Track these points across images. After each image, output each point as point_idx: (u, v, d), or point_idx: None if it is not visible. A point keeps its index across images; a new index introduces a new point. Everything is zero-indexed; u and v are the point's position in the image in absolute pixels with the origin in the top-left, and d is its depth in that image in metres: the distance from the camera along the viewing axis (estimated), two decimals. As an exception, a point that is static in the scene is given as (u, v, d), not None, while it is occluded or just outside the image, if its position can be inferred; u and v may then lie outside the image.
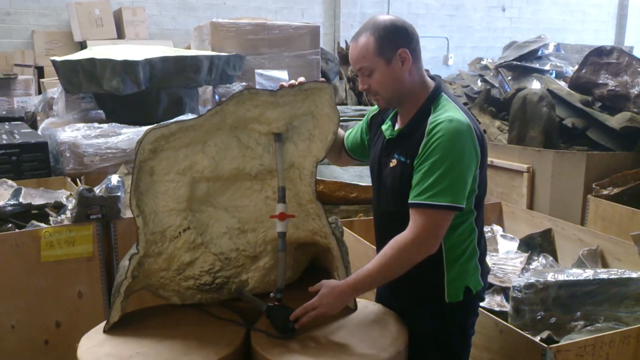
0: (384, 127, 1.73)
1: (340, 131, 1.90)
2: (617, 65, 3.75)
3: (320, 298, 1.58)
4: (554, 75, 5.18)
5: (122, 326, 1.68)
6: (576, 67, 4.21)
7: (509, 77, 5.15)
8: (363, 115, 2.06)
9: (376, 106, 1.86)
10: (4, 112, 5.44)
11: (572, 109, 3.92)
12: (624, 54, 3.78)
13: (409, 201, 1.53)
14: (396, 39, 1.57)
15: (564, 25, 10.92)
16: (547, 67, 5.23)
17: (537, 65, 5.23)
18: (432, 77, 1.68)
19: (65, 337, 2.37)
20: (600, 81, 3.83)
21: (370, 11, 9.19)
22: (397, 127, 1.69)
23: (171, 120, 1.98)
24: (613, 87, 3.72)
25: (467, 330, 1.71)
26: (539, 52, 5.45)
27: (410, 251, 1.52)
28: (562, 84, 4.57)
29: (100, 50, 4.05)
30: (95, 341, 1.62)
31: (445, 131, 1.50)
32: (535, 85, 4.80)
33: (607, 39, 11.17)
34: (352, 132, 1.94)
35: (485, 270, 1.74)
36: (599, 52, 3.88)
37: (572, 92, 4.06)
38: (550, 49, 5.62)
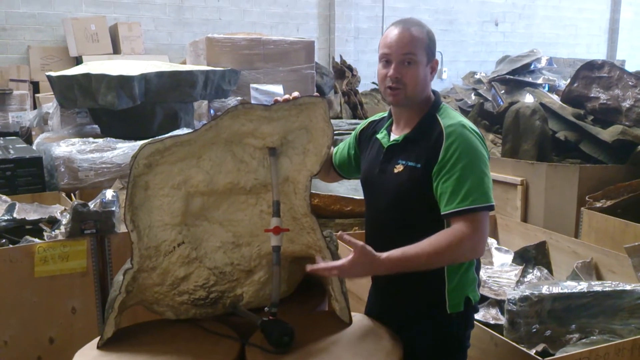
0: (379, 135, 1.75)
1: None
2: (609, 79, 3.80)
3: (354, 265, 1.45)
4: (546, 88, 5.24)
5: (116, 342, 1.67)
6: (568, 80, 4.24)
7: (502, 91, 5.20)
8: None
9: (365, 121, 1.89)
10: (-1, 127, 5.44)
11: (565, 122, 3.95)
12: (614, 67, 3.82)
13: (453, 209, 1.51)
14: (435, 48, 1.66)
15: (556, 40, 11.03)
16: (539, 81, 5.29)
17: (529, 79, 5.29)
18: (432, 91, 1.74)
19: (58, 353, 2.35)
20: (592, 95, 3.87)
21: (364, 26, 9.26)
22: (395, 135, 1.71)
23: (166, 135, 1.99)
24: (605, 101, 3.77)
25: (464, 342, 1.71)
26: (532, 66, 5.50)
27: (466, 248, 1.51)
28: (555, 97, 4.62)
29: (95, 65, 4.06)
30: (89, 357, 1.61)
31: (465, 136, 1.57)
32: (528, 98, 4.84)
33: (599, 53, 11.28)
34: (339, 150, 1.95)
35: (479, 281, 1.75)
36: (591, 66, 3.93)
37: (564, 105, 4.09)
38: (543, 62, 5.68)
